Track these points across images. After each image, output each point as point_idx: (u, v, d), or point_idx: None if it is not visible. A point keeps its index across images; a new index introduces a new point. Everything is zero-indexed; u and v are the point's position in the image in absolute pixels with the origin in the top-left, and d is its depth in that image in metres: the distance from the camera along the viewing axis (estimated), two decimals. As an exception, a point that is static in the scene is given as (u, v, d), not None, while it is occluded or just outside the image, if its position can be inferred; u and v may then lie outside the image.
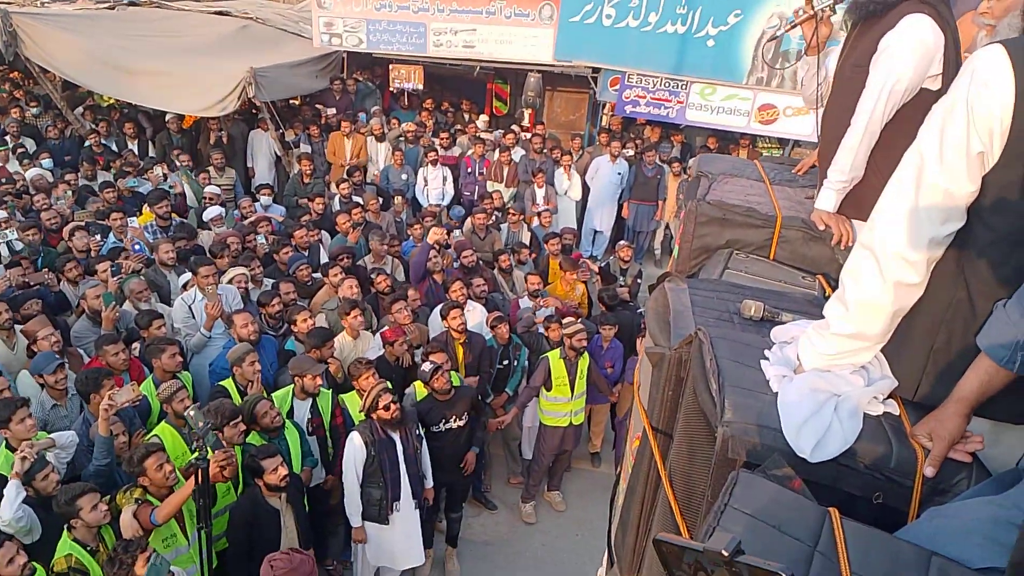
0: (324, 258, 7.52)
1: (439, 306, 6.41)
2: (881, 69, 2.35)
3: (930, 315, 1.51)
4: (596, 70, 10.34)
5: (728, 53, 9.62)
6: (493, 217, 8.76)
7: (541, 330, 6.43)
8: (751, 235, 2.62)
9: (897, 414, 1.56)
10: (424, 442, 5.02)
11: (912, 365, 1.56)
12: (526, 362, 6.32)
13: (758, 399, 1.53)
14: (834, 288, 2.45)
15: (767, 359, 1.64)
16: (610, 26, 9.78)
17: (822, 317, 2.03)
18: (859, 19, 2.49)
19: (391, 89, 11.27)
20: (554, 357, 5.94)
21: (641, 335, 4.85)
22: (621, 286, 8.12)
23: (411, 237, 8.09)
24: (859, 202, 2.54)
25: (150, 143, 10.32)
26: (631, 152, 10.25)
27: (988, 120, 1.35)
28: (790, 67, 9.68)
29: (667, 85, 9.98)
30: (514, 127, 10.98)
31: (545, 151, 9.90)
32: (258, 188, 9.09)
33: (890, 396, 1.59)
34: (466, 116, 11.79)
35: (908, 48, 2.28)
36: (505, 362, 6.24)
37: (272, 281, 6.65)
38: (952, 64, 2.38)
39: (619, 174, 9.85)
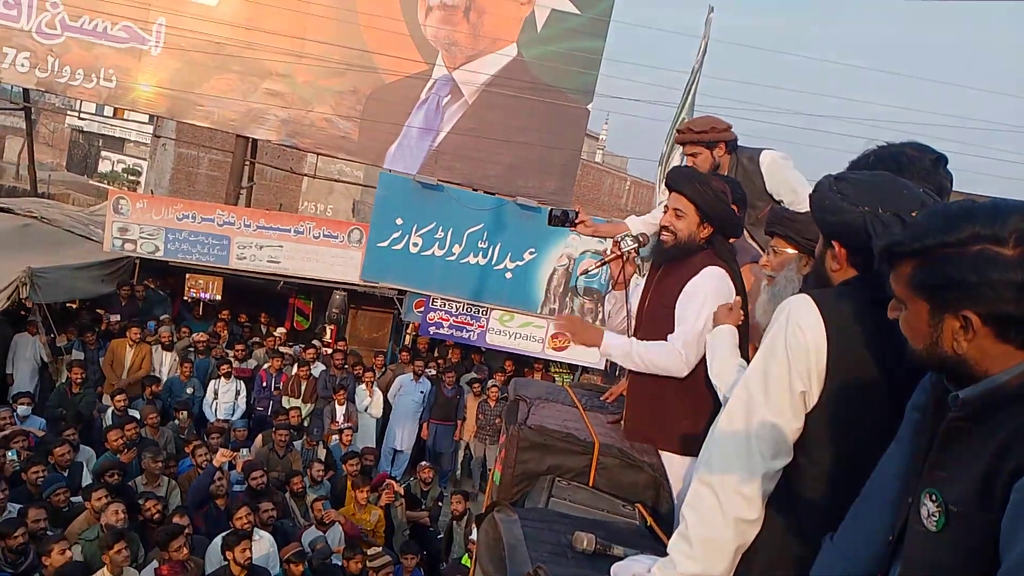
0: (87, 479, 6.59)
1: (220, 536, 5.74)
2: (691, 309, 2.61)
3: (767, 552, 1.55)
4: (401, 292, 10.65)
5: (524, 285, 10.41)
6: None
7: (338, 561, 5.91)
8: (571, 461, 2.64)
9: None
10: None
11: (754, 605, 1.57)
12: (317, 600, 5.72)
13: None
14: (653, 516, 2.51)
15: (613, 599, 1.59)
16: (416, 253, 10.26)
17: (649, 549, 2.05)
18: (661, 263, 2.79)
19: (185, 298, 10.78)
20: (353, 593, 5.44)
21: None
22: (423, 509, 7.83)
23: (189, 456, 7.36)
24: (667, 434, 2.68)
25: None
26: (433, 372, 10.37)
27: (806, 362, 1.50)
28: (578, 300, 10.63)
29: (469, 310, 10.46)
30: (315, 342, 10.80)
31: (347, 367, 9.75)
32: (15, 397, 8.01)
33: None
34: (264, 329, 11.46)
35: (710, 295, 2.57)
36: (295, 601, 5.61)
37: (19, 507, 5.67)
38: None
39: (422, 392, 9.85)
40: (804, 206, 3.06)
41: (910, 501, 1.26)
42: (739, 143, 3.49)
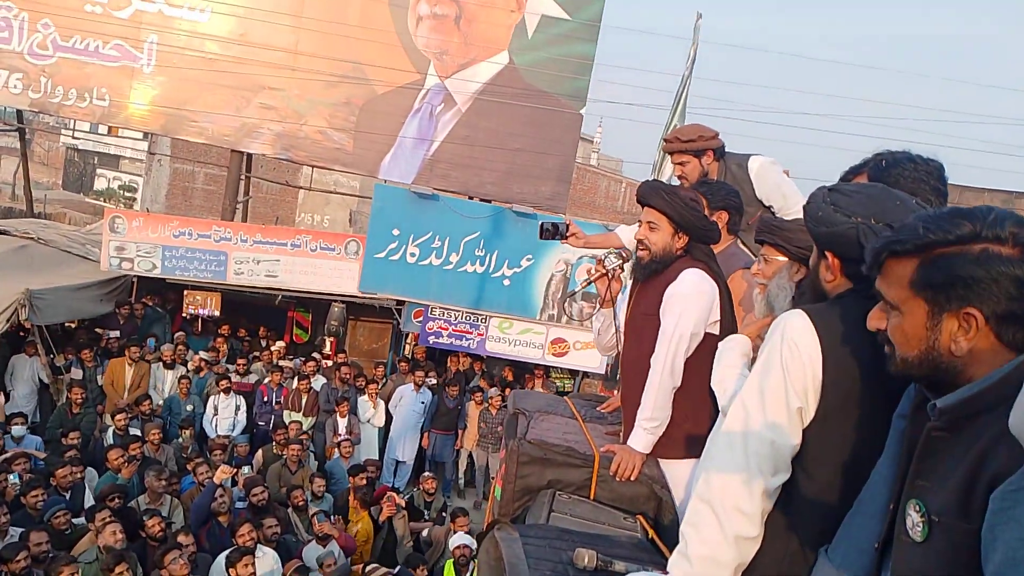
0: (89, 500, 6.58)
1: (223, 553, 5.74)
2: (671, 316, 2.61)
3: (767, 568, 1.55)
4: (400, 302, 10.65)
5: (522, 291, 10.41)
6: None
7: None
8: (571, 475, 2.64)
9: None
10: None
11: (757, 623, 1.57)
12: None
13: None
14: (655, 528, 2.51)
15: (614, 618, 1.59)
16: (414, 263, 10.26)
17: (650, 563, 2.04)
18: (641, 277, 2.79)
19: (184, 315, 10.78)
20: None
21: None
22: (426, 520, 7.82)
23: (192, 473, 7.35)
24: (667, 440, 2.68)
25: None
26: (434, 381, 10.35)
27: (802, 379, 1.51)
28: (577, 306, 10.63)
29: (468, 318, 10.46)
30: (315, 355, 10.79)
31: (348, 380, 9.75)
32: (9, 417, 8.00)
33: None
34: (263, 343, 11.45)
35: (691, 297, 2.58)
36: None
37: (20, 530, 5.66)
38: (727, 311, 2.70)
39: (423, 403, 9.84)
40: (794, 211, 3.08)
41: (891, 508, 1.26)
42: (728, 149, 3.49)
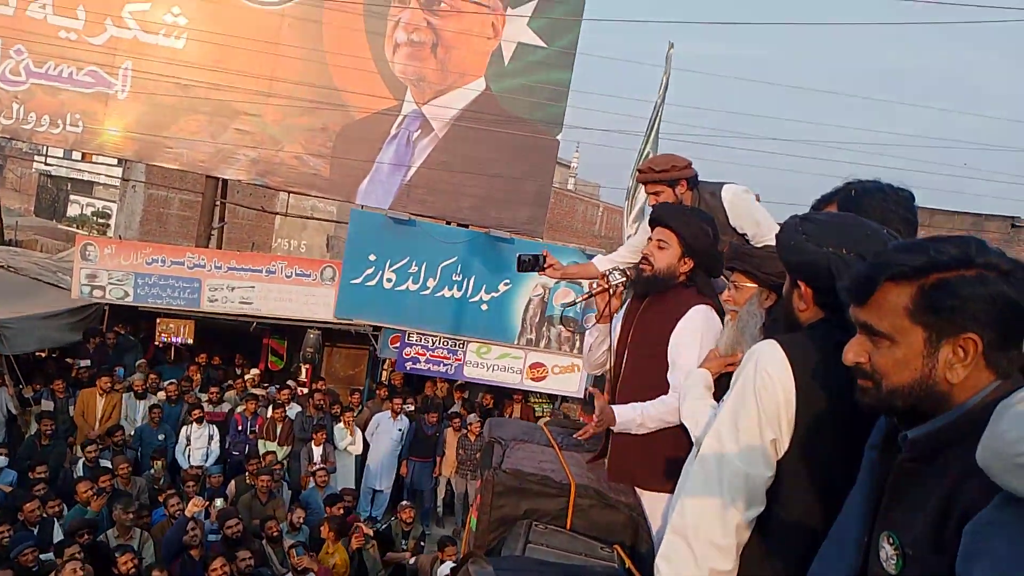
0: (59, 535, 6.41)
1: (197, 587, 5.62)
2: (692, 350, 2.58)
3: (742, 601, 1.54)
4: (376, 328, 10.59)
5: (500, 316, 10.40)
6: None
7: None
8: (547, 504, 2.61)
9: None
10: None
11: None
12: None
13: None
14: (631, 557, 2.48)
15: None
16: (391, 289, 10.22)
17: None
18: (640, 296, 2.79)
19: (157, 343, 10.63)
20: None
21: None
22: (404, 550, 7.72)
23: (163, 506, 7.20)
24: (656, 471, 2.64)
25: None
26: (412, 408, 10.26)
27: (775, 409, 1.51)
28: (555, 330, 10.63)
29: (445, 344, 10.42)
30: (290, 382, 10.67)
31: (324, 408, 9.63)
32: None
33: None
34: (238, 371, 11.31)
35: (701, 337, 2.58)
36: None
37: (-16, 569, 5.51)
38: None
39: (400, 431, 9.74)
40: (767, 238, 3.10)
41: (866, 541, 1.25)
42: (700, 177, 3.51)
